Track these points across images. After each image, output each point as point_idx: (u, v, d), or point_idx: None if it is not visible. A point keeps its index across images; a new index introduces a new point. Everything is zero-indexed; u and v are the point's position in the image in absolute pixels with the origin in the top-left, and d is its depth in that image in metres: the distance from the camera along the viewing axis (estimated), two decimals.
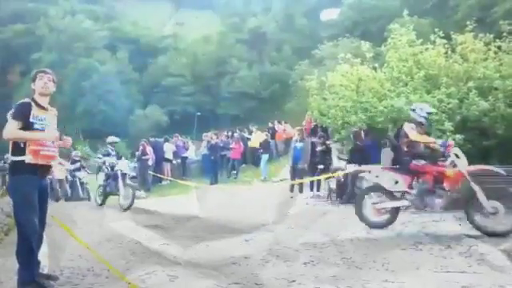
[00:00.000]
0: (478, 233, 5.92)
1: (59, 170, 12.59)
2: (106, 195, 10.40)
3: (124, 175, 10.04)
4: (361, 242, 6.01)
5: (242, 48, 55.18)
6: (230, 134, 19.21)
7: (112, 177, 10.14)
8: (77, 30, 54.55)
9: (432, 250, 5.60)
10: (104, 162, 10.55)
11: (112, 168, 10.29)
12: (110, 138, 11.13)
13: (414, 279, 4.50)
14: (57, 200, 12.11)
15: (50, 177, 10.77)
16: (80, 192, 13.68)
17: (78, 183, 13.81)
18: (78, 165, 14.20)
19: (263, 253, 5.51)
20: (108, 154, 10.65)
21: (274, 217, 8.06)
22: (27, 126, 3.86)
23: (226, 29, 58.72)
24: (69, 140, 4.44)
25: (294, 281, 4.44)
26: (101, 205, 10.35)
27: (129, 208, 9.37)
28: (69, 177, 13.91)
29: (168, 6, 66.98)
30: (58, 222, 4.64)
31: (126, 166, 10.42)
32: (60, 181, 13.02)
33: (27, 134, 3.85)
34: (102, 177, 10.85)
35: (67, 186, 13.54)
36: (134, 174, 16.23)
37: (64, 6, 59.32)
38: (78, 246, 4.87)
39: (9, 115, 3.89)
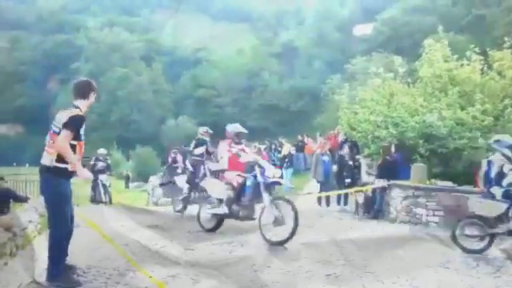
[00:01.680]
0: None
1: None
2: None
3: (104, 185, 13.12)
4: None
5: (274, 61, 55.57)
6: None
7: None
8: (114, 41, 56.45)
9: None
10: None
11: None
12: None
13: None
14: None
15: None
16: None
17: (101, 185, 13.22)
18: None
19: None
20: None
21: None
22: (76, 137, 4.05)
23: (259, 42, 59.24)
24: None
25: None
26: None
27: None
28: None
29: (204, 18, 68.25)
30: (87, 221, 4.78)
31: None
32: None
33: (68, 153, 3.94)
34: None
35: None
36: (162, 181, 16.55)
37: (102, 17, 61.58)
38: (106, 246, 5.00)
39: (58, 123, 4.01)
